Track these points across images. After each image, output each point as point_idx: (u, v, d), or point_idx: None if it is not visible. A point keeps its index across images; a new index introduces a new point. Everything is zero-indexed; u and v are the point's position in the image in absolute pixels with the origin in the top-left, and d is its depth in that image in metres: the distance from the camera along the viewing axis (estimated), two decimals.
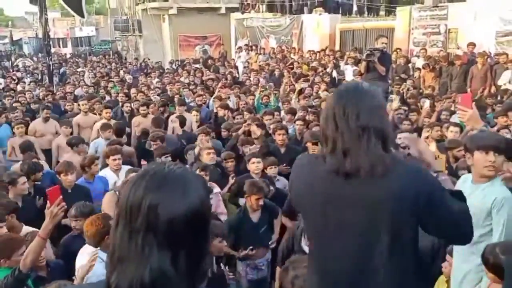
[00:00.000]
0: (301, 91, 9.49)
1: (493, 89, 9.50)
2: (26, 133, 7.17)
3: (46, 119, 7.77)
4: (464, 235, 1.85)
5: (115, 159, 5.25)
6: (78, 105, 8.66)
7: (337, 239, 1.81)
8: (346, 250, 1.79)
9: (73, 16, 24.26)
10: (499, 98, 8.27)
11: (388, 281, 1.75)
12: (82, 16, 16.76)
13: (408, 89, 9.51)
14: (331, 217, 1.80)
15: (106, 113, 7.52)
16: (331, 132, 1.78)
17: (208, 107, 9.30)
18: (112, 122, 7.30)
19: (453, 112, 6.69)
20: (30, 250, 2.82)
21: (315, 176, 1.85)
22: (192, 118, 7.79)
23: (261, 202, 4.15)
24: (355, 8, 17.70)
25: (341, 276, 1.81)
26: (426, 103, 7.37)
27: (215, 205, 4.63)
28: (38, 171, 5.12)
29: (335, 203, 1.79)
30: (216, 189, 4.77)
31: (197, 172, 4.63)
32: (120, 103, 9.11)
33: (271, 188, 4.65)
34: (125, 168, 5.22)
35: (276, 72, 13.15)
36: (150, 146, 6.21)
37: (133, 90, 10.80)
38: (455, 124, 5.65)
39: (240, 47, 19.32)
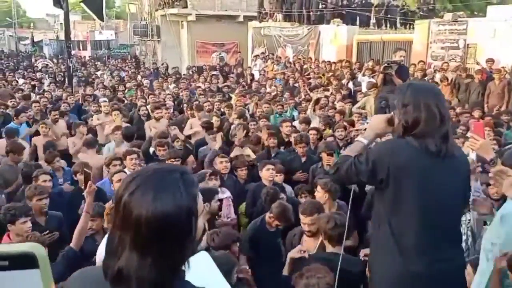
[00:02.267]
0: (317, 101, 9.50)
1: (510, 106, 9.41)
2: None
3: (55, 121, 7.86)
4: None
5: (132, 159, 5.28)
6: (100, 106, 8.79)
7: (438, 202, 2.23)
8: (447, 209, 2.26)
9: (94, 19, 24.66)
10: None
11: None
12: (102, 20, 17.02)
13: None
14: (432, 188, 2.22)
15: (115, 115, 7.59)
16: (439, 119, 2.21)
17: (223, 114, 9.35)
18: (125, 125, 7.36)
19: (468, 128, 6.64)
20: (79, 228, 3.09)
21: (416, 154, 2.21)
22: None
23: (280, 227, 4.12)
24: (373, 20, 17.73)
25: (443, 226, 2.26)
26: None
27: (225, 210, 4.66)
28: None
29: (436, 176, 2.22)
30: (227, 193, 4.79)
31: (208, 177, 4.68)
32: (138, 107, 9.21)
33: (282, 195, 4.65)
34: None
35: (291, 82, 13.16)
36: (153, 152, 6.24)
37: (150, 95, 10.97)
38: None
39: (256, 55, 19.42)
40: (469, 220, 3.52)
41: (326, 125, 7.59)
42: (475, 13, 20.62)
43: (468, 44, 12.49)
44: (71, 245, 3.11)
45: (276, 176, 5.13)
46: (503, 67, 10.51)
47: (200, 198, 1.21)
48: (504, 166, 2.48)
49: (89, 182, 3.29)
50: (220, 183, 4.86)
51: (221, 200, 4.66)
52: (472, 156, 3.19)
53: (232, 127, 7.28)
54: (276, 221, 3.99)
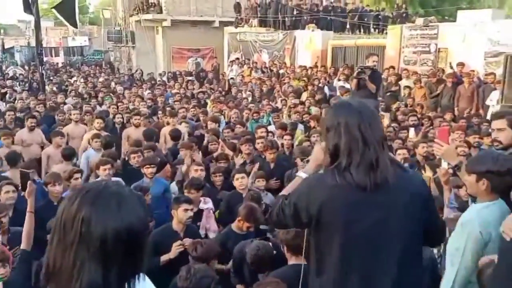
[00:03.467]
0: (294, 106, 9.53)
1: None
2: (13, 142, 7.08)
3: (31, 129, 7.65)
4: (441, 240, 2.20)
5: (105, 169, 5.18)
6: (69, 115, 8.62)
7: (375, 248, 1.86)
8: (389, 256, 1.86)
9: (66, 25, 24.27)
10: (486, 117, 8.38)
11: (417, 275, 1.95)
12: (75, 27, 16.75)
13: (399, 107, 9.62)
14: (365, 228, 1.85)
15: (98, 123, 7.47)
16: (361, 144, 1.85)
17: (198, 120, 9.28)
18: (103, 133, 7.25)
19: None
20: (26, 229, 3.08)
21: (336, 190, 1.86)
22: (184, 130, 7.73)
23: (251, 229, 4.08)
24: (347, 25, 17.98)
25: (378, 272, 1.87)
26: (411, 132, 7.19)
27: (206, 222, 4.59)
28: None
29: (364, 216, 1.85)
30: (209, 204, 4.72)
31: (189, 190, 4.61)
32: (112, 115, 9.07)
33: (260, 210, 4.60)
34: (115, 180, 5.17)
35: (264, 88, 13.14)
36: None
37: (124, 101, 10.80)
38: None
39: (232, 61, 19.41)
40: None
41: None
42: (446, 18, 21.13)
43: (439, 49, 12.75)
44: (22, 247, 3.07)
45: (259, 181, 5.16)
46: (472, 71, 10.75)
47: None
48: (466, 171, 2.50)
49: (29, 182, 3.25)
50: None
51: (201, 210, 4.61)
52: (443, 165, 3.22)
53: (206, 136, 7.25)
54: (245, 223, 3.92)
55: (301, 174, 2.14)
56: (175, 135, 7.23)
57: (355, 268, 1.87)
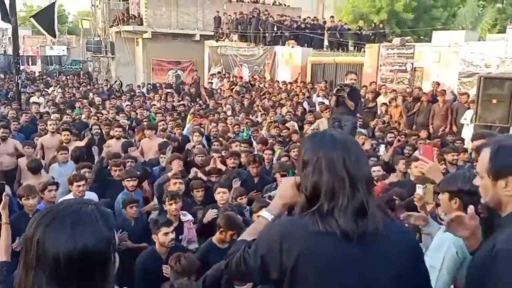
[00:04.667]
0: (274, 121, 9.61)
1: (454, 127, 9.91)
2: None
3: (3, 139, 7.44)
4: None
5: (78, 185, 5.05)
6: (45, 125, 8.47)
7: None
8: None
9: (44, 35, 23.97)
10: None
11: None
12: (54, 36, 16.50)
13: (377, 124, 9.83)
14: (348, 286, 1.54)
15: (64, 135, 7.36)
16: (348, 184, 1.53)
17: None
18: (72, 145, 7.13)
19: (415, 149, 6.92)
20: (4, 241, 3.04)
21: (317, 239, 1.51)
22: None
23: (235, 236, 4.07)
24: (325, 42, 18.30)
25: None
26: (381, 148, 7.33)
27: (188, 234, 4.59)
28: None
29: (353, 270, 1.52)
30: (188, 216, 4.72)
31: (168, 201, 4.60)
32: (90, 125, 8.96)
33: (240, 217, 4.63)
34: (90, 194, 5.11)
35: (245, 102, 13.23)
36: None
37: (104, 112, 10.70)
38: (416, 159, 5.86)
39: (213, 74, 19.48)
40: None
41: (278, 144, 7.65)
42: (422, 37, 21.73)
43: (415, 68, 13.11)
44: (1, 259, 3.00)
45: (241, 198, 5.16)
46: (443, 90, 11.04)
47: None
48: (439, 190, 2.57)
49: (4, 194, 3.20)
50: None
51: (182, 223, 4.60)
52: (418, 190, 3.30)
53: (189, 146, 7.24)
54: (228, 231, 3.89)
55: (265, 214, 1.75)
56: (164, 148, 7.09)
57: None
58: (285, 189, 1.75)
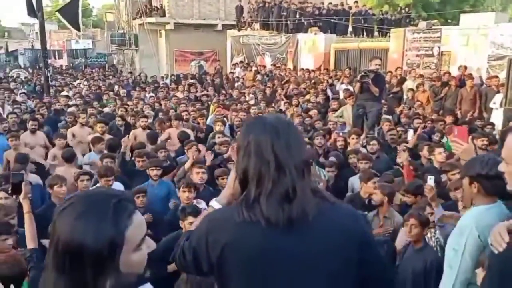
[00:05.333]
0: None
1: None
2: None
3: (33, 131, 7.63)
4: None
5: (108, 180, 5.09)
6: (75, 117, 8.65)
7: None
8: None
9: (70, 29, 24.39)
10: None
11: None
12: (78, 30, 16.84)
13: (403, 110, 9.61)
14: (277, 277, 1.46)
15: (100, 127, 7.49)
16: (272, 168, 1.45)
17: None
18: (107, 136, 7.27)
19: (443, 134, 6.73)
20: (29, 230, 3.08)
21: (243, 229, 1.46)
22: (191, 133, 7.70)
23: None
24: (350, 28, 17.98)
25: None
26: (410, 133, 6.97)
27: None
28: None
29: (277, 260, 1.45)
30: (203, 205, 4.72)
31: (182, 188, 4.62)
32: (116, 117, 9.09)
33: None
34: (116, 185, 5.19)
35: (268, 91, 13.17)
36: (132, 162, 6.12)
37: (130, 103, 10.85)
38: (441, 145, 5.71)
39: (235, 64, 19.45)
40: (437, 237, 3.59)
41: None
42: (449, 21, 21.14)
43: (442, 52, 12.77)
44: (30, 246, 3.06)
45: None
46: (471, 74, 10.71)
47: (135, 229, 1.14)
48: (461, 175, 2.51)
49: (24, 183, 3.18)
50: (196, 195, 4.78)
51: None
52: (430, 182, 3.22)
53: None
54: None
55: (214, 204, 1.71)
56: (184, 138, 7.14)
57: None
58: (232, 178, 1.66)
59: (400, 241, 3.77)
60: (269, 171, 1.45)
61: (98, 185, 5.22)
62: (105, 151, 6.44)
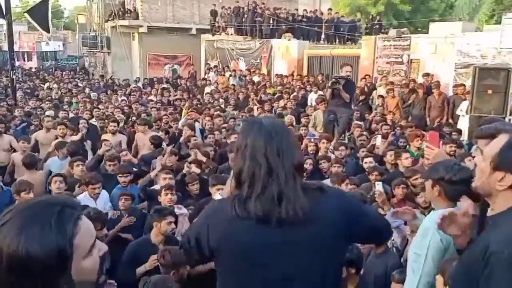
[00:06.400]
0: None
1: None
2: None
3: None
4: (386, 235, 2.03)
5: (94, 188, 4.95)
6: (42, 121, 8.43)
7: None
8: None
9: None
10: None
11: None
12: (48, 32, 16.37)
13: (374, 116, 9.79)
14: (265, 270, 1.58)
15: (60, 129, 7.32)
16: (263, 172, 1.57)
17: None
18: (68, 139, 7.08)
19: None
20: None
21: (235, 224, 1.59)
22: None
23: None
24: (323, 35, 18.20)
25: None
26: (378, 139, 7.18)
27: (180, 227, 4.57)
28: None
29: (268, 253, 1.58)
30: (183, 210, 4.71)
31: (164, 191, 4.59)
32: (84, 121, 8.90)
33: None
34: (104, 193, 5.10)
35: (241, 96, 13.18)
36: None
37: (100, 107, 10.66)
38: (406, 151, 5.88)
39: (210, 68, 19.40)
40: (393, 239, 3.65)
41: None
42: (419, 29, 21.64)
43: (411, 59, 13.06)
44: None
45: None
46: (438, 82, 10.96)
47: (83, 235, 1.09)
48: (424, 177, 2.58)
49: None
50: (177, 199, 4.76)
51: (177, 217, 4.58)
52: (378, 188, 3.30)
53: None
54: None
55: (217, 197, 1.86)
56: (157, 142, 7.04)
57: None
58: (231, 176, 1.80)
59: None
60: (260, 174, 1.58)
61: (83, 193, 5.05)
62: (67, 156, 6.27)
